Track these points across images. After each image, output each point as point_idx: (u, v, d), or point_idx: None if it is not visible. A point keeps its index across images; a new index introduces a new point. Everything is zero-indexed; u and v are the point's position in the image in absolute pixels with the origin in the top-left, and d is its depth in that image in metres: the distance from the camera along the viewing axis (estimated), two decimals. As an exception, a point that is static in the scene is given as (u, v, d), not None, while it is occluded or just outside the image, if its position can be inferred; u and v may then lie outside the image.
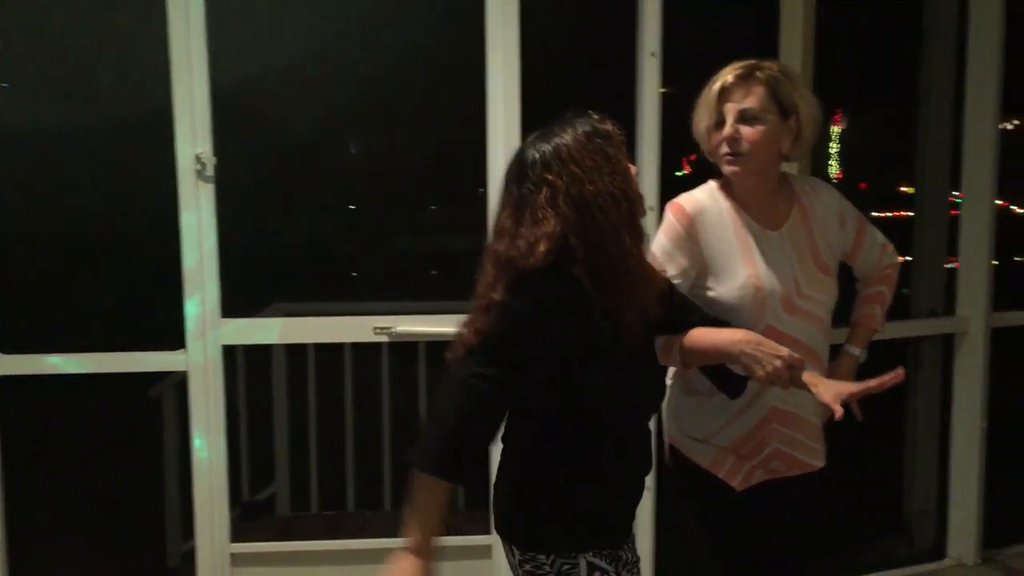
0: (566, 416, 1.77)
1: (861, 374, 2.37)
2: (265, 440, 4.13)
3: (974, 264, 3.78)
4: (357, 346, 3.90)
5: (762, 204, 2.17)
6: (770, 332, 2.07)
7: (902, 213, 4.34)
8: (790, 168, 2.45)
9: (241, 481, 4.02)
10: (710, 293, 2.14)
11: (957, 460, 3.89)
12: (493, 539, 3.24)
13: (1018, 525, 4.10)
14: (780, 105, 2.09)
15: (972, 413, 3.82)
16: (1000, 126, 3.76)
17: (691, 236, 2.13)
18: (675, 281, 2.09)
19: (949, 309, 3.90)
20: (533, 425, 1.81)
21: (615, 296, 1.73)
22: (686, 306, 2.04)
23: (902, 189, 4.24)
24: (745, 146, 2.08)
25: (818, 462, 2.25)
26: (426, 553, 1.70)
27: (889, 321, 3.39)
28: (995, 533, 3.95)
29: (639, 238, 1.78)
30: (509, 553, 1.86)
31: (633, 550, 1.91)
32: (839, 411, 1.84)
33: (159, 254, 3.21)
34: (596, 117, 1.79)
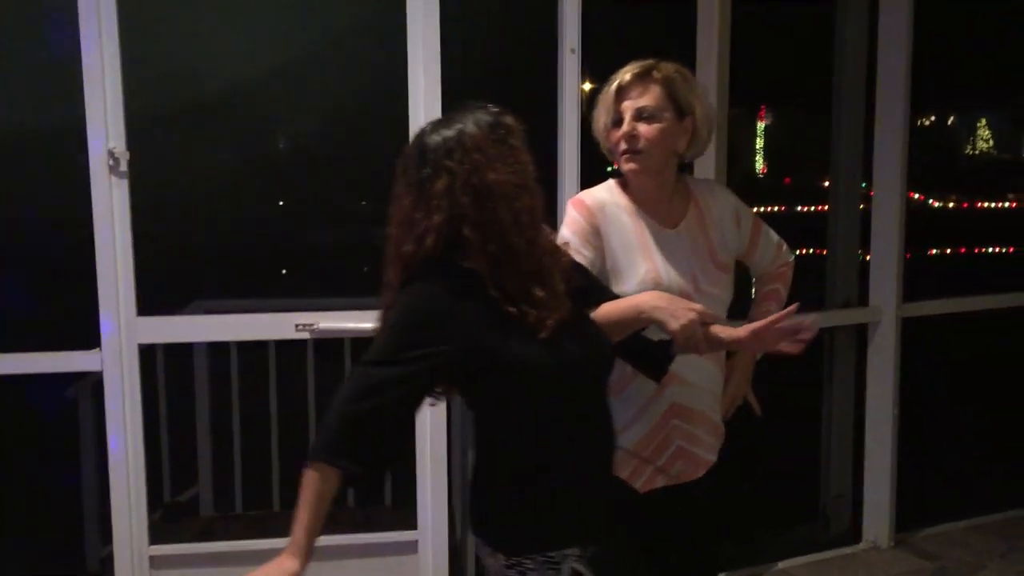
0: (517, 406, 1.74)
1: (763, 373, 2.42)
2: (187, 440, 4.06)
3: (885, 256, 3.89)
4: (282, 344, 3.86)
5: (659, 202, 2.20)
6: None
7: (824, 207, 4.45)
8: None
9: (163, 482, 3.95)
10: (612, 288, 2.18)
11: (871, 446, 4.01)
12: (419, 535, 3.25)
13: (930, 508, 4.24)
14: (676, 104, 2.13)
15: (885, 400, 3.94)
16: (918, 122, 3.87)
17: (594, 229, 2.15)
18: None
19: (863, 300, 4.01)
20: (494, 423, 1.78)
21: (520, 282, 1.71)
22: (594, 286, 2.02)
23: (826, 184, 4.34)
24: (643, 143, 2.11)
25: (712, 456, 2.28)
26: (307, 554, 1.66)
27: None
28: (908, 516, 4.09)
29: (541, 228, 1.77)
30: (492, 558, 1.79)
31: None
32: (750, 345, 1.90)
33: (73, 252, 3.13)
34: (497, 109, 1.77)
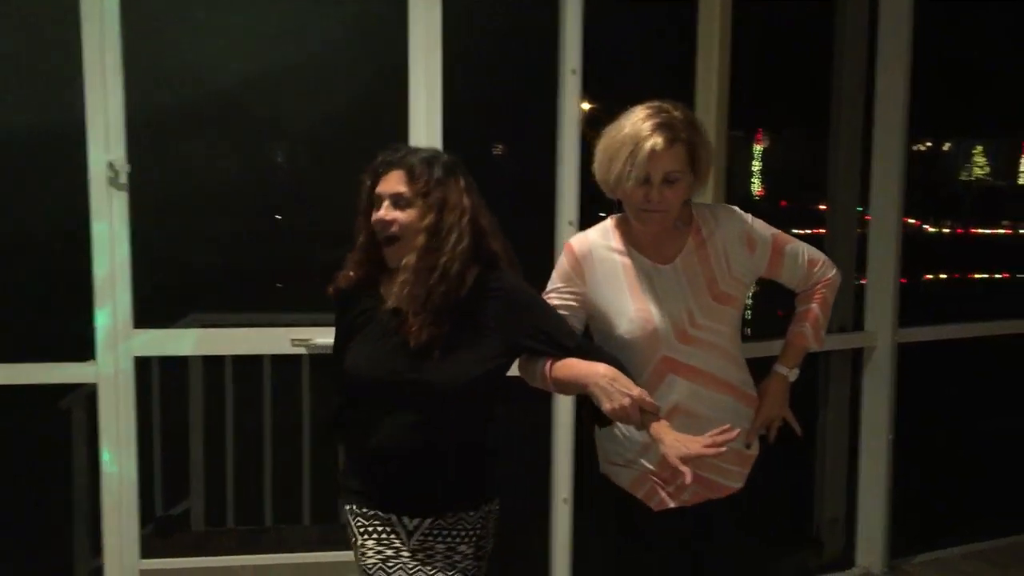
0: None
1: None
2: (180, 453, 4.05)
3: (881, 281, 3.90)
4: (277, 358, 3.86)
5: (656, 241, 2.22)
6: (667, 362, 2.16)
7: (820, 231, 4.46)
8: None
9: (154, 496, 3.94)
10: (604, 329, 2.23)
11: (865, 471, 4.01)
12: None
13: (924, 534, 4.23)
14: (695, 164, 2.15)
15: (880, 425, 3.94)
16: (914, 147, 3.88)
17: (578, 274, 2.23)
18: (564, 314, 2.18)
19: (858, 325, 4.01)
20: None
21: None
22: (555, 334, 2.07)
23: (821, 208, 4.36)
24: (666, 207, 2.13)
25: (736, 484, 2.28)
26: None
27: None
28: (902, 542, 4.08)
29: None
30: None
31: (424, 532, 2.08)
32: (687, 473, 1.87)
33: (70, 263, 3.13)
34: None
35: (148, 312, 3.07)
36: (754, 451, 2.31)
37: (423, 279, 1.96)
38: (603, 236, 2.26)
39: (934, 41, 4.13)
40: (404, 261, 1.99)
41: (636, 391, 1.91)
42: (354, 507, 2.11)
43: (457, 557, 2.08)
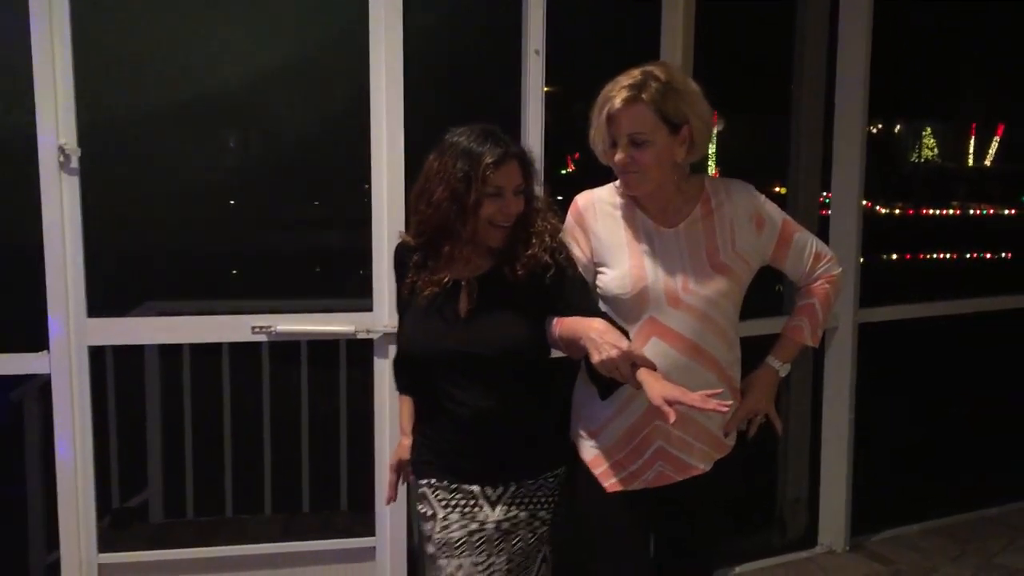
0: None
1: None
2: (137, 444, 3.97)
3: (843, 263, 3.91)
4: (236, 346, 3.79)
5: (660, 204, 2.20)
6: (652, 323, 2.14)
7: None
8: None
9: (111, 488, 3.86)
10: (599, 281, 2.21)
11: (827, 451, 4.05)
12: (377, 541, 3.20)
13: (884, 512, 4.29)
14: (669, 121, 2.10)
15: (841, 405, 3.98)
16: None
17: (581, 227, 2.24)
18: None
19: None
20: None
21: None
22: (568, 296, 2.13)
23: (777, 190, 4.37)
24: (638, 168, 2.12)
25: (703, 465, 2.23)
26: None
27: (762, 318, 3.50)
28: (863, 520, 4.13)
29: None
30: None
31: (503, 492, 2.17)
32: (669, 413, 1.82)
33: (21, 250, 3.05)
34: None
35: (102, 300, 2.99)
36: (730, 442, 2.28)
37: (524, 260, 2.12)
38: (609, 194, 2.26)
39: (887, 24, 4.14)
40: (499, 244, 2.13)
41: (625, 344, 1.93)
42: (433, 481, 2.18)
43: (537, 523, 2.19)
